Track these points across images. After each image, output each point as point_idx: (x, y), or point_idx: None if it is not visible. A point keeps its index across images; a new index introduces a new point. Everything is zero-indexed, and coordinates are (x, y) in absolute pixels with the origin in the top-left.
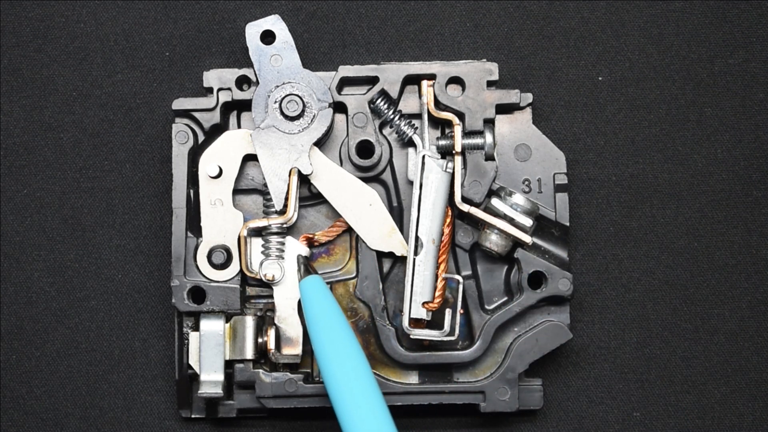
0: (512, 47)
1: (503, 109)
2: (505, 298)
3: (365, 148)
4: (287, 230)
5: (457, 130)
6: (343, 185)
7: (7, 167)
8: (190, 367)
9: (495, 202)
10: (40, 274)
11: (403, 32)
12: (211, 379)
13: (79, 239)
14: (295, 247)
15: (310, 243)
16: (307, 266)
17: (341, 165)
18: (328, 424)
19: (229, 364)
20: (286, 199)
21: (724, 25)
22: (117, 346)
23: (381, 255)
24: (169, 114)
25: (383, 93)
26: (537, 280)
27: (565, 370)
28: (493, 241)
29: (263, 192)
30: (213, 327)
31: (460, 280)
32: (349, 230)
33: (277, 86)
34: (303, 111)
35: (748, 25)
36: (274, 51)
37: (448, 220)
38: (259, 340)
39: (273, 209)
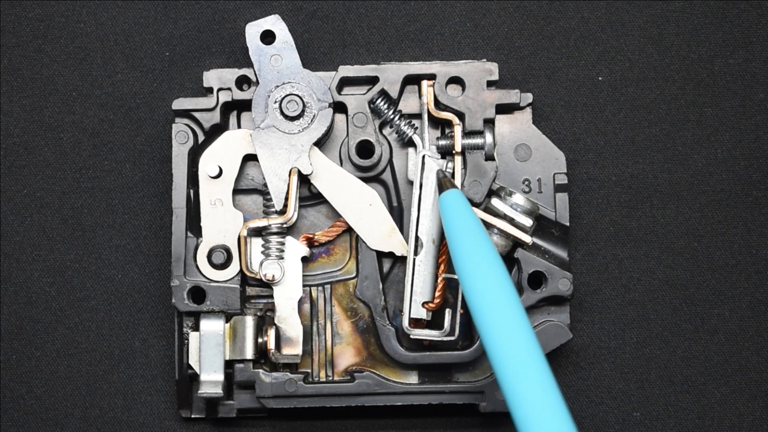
0: (512, 47)
1: (503, 109)
2: None
3: (365, 148)
4: (287, 230)
5: (457, 130)
6: (343, 185)
7: (7, 167)
8: (190, 367)
9: (495, 202)
10: (40, 274)
11: (403, 32)
12: (211, 379)
13: (79, 239)
14: (295, 247)
15: (310, 243)
16: (442, 181)
17: (341, 165)
18: (328, 424)
19: (229, 364)
20: (286, 199)
21: (724, 25)
22: (117, 346)
23: (381, 255)
24: (169, 114)
25: (383, 93)
26: (537, 280)
27: (565, 370)
28: (494, 241)
29: (263, 192)
30: (213, 327)
31: None
32: (349, 230)
33: (277, 86)
34: (303, 111)
35: (748, 25)
36: (274, 51)
37: None
38: (259, 340)
39: (273, 209)
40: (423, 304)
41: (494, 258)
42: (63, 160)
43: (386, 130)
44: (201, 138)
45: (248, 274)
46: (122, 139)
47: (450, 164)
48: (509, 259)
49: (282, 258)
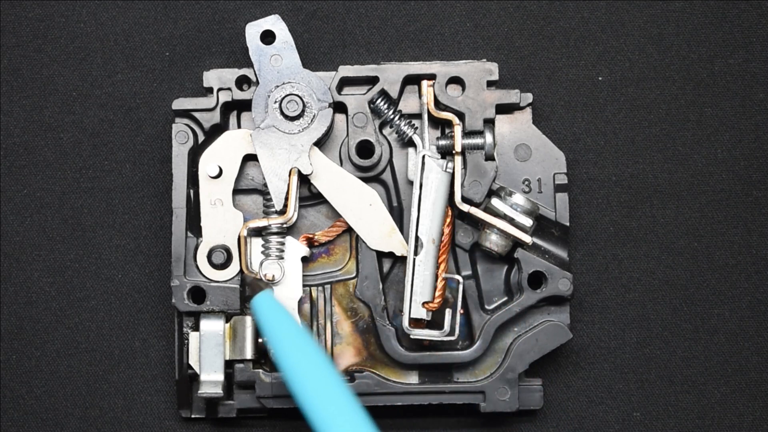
0: (512, 47)
1: (503, 109)
2: (505, 298)
3: (365, 148)
4: (287, 230)
5: (457, 130)
6: (343, 185)
7: (7, 167)
8: (190, 367)
9: (495, 202)
10: (40, 274)
11: (403, 32)
12: (211, 379)
13: (79, 239)
14: (295, 247)
15: (310, 243)
16: (253, 284)
17: (341, 165)
18: None
19: (229, 364)
20: (286, 199)
21: (724, 25)
22: (117, 346)
23: (381, 255)
24: (169, 114)
25: (383, 93)
26: (537, 280)
27: (565, 370)
28: (493, 241)
29: (263, 192)
30: (213, 327)
31: (460, 280)
32: (349, 230)
33: (277, 86)
34: (303, 111)
35: (748, 25)
36: (274, 51)
37: (448, 220)
38: (259, 340)
39: (273, 209)
40: (423, 304)
41: (314, 350)
42: (63, 160)
43: (386, 130)
44: (201, 138)
45: (248, 274)
46: (122, 139)
47: (450, 164)
48: (509, 259)
49: (282, 258)
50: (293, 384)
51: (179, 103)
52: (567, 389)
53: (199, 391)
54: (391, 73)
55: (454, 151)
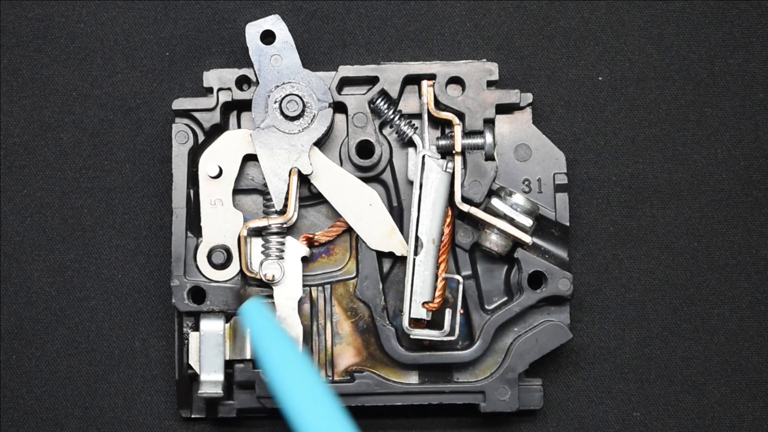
0: (512, 47)
1: (503, 109)
2: (505, 298)
3: (365, 148)
4: (287, 230)
5: (457, 130)
6: (343, 185)
7: (7, 167)
8: (190, 367)
9: (495, 202)
10: (40, 274)
11: (403, 32)
12: (211, 379)
13: (79, 239)
14: (295, 247)
15: (310, 243)
16: (238, 294)
17: (341, 165)
18: None
19: (229, 364)
20: (286, 199)
21: (724, 25)
22: (117, 346)
23: (381, 255)
24: (169, 114)
25: (383, 93)
26: (537, 280)
27: (565, 370)
28: (493, 241)
29: (263, 192)
30: (213, 327)
31: (460, 280)
32: (349, 230)
33: (277, 86)
34: (303, 111)
35: (748, 25)
36: (274, 51)
37: (448, 220)
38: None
39: (273, 209)
40: (423, 304)
41: (301, 360)
42: (63, 160)
43: (386, 130)
44: (201, 138)
45: (248, 274)
46: (122, 139)
47: (450, 164)
48: (509, 259)
49: (282, 258)
50: (279, 392)
51: (179, 103)
52: (567, 389)
53: (199, 391)
54: (391, 73)
55: (454, 151)
